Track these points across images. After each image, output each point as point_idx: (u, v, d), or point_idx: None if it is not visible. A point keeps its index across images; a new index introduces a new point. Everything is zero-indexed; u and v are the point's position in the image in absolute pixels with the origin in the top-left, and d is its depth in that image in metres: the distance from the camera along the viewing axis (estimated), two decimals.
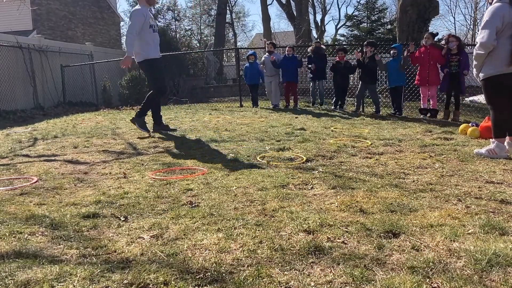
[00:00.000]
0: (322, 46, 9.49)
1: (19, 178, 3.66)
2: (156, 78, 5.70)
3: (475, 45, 4.03)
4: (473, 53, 4.08)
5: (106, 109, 10.91)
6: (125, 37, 5.52)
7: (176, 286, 1.65)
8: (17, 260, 1.90)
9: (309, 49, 9.42)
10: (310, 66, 9.04)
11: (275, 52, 9.31)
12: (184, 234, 2.20)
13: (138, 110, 5.82)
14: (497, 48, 3.81)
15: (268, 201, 2.72)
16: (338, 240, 2.06)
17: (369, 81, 7.96)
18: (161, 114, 6.03)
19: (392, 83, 7.68)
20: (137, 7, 5.59)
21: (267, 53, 9.24)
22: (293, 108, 9.06)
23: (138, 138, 5.52)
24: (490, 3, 3.96)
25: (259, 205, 2.67)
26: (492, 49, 3.83)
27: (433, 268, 1.74)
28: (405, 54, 7.51)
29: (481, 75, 4.00)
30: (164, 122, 6.12)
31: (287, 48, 9.51)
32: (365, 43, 8.36)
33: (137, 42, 5.48)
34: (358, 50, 8.11)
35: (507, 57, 3.79)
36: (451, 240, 2.03)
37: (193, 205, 2.71)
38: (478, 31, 4.16)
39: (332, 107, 8.77)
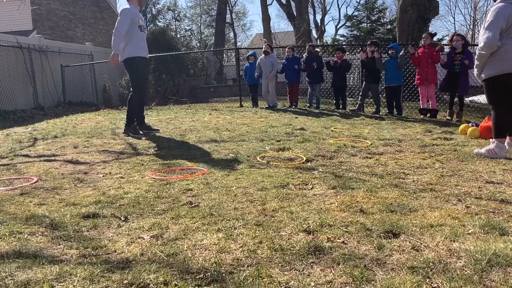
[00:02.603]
0: (316, 49, 9.47)
1: (19, 178, 3.66)
2: (137, 79, 5.65)
3: (475, 45, 4.02)
4: (475, 53, 4.08)
5: (106, 109, 10.91)
6: (113, 35, 5.44)
7: (176, 286, 1.65)
8: (17, 260, 1.89)
9: (304, 55, 9.44)
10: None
11: (272, 54, 9.18)
12: (184, 234, 2.20)
13: (125, 120, 5.81)
14: (500, 48, 3.81)
15: (268, 201, 2.72)
16: (338, 240, 2.06)
17: (372, 81, 7.96)
18: (144, 114, 6.04)
19: (389, 82, 7.68)
20: (127, 6, 5.59)
21: (262, 54, 9.22)
22: (293, 108, 9.07)
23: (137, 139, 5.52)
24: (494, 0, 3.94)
25: (259, 205, 2.67)
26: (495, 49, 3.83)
27: (433, 268, 1.74)
28: (401, 53, 7.54)
29: (482, 75, 4.00)
30: (147, 123, 6.12)
31: (287, 49, 9.52)
32: (368, 42, 8.37)
33: (124, 41, 5.48)
34: (365, 50, 8.09)
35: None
36: (451, 240, 2.03)
37: (193, 205, 2.71)
38: (479, 31, 4.15)
39: (334, 107, 8.79)
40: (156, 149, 4.82)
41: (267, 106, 9.27)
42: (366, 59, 7.99)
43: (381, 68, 7.78)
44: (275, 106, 9.18)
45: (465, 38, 7.12)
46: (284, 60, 9.39)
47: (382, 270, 1.74)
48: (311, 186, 3.09)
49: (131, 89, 5.82)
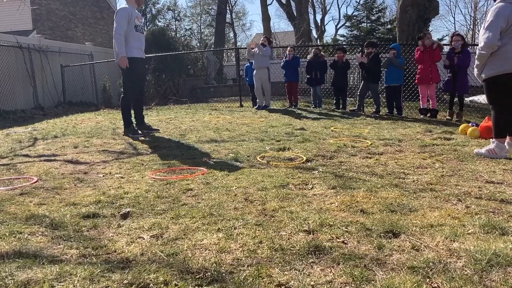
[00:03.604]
0: (322, 53, 9.43)
1: (19, 178, 3.66)
2: (130, 80, 5.59)
3: (475, 45, 4.03)
4: (475, 53, 4.08)
5: (106, 109, 10.92)
6: (113, 39, 5.40)
7: (176, 286, 1.65)
8: (17, 260, 1.89)
9: (308, 57, 9.39)
10: (308, 76, 9.00)
11: (268, 47, 8.81)
12: (184, 234, 2.20)
13: (123, 123, 5.79)
14: (500, 48, 3.81)
15: (268, 201, 2.72)
16: (338, 240, 2.06)
17: (371, 81, 7.96)
18: (143, 114, 6.01)
19: (389, 81, 7.67)
20: (124, 5, 5.55)
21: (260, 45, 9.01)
22: (293, 108, 9.06)
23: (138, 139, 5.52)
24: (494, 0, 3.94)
25: (259, 205, 2.67)
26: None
27: (433, 268, 1.74)
28: (390, 55, 7.56)
29: (483, 75, 4.00)
30: (147, 123, 6.09)
31: (288, 49, 9.50)
32: (365, 43, 8.37)
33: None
34: (364, 54, 8.08)
35: None
36: (451, 240, 2.03)
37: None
38: (479, 31, 4.14)
39: (334, 107, 8.79)
40: (156, 149, 4.82)
41: (258, 106, 8.98)
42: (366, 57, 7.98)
43: (385, 67, 7.76)
44: (267, 106, 8.96)
45: (464, 39, 7.12)
46: (284, 59, 9.34)
47: (382, 270, 1.74)
48: (311, 186, 3.09)
49: (122, 90, 5.79)
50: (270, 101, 9.28)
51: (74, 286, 1.66)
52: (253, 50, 8.74)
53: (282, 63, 9.33)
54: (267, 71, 8.85)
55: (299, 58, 9.82)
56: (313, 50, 9.52)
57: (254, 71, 8.83)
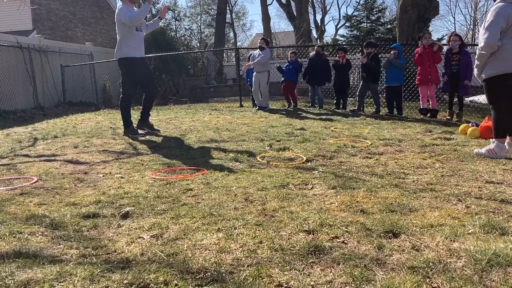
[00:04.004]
0: (324, 52, 9.40)
1: (19, 178, 3.66)
2: (128, 80, 5.59)
3: (475, 45, 4.03)
4: (475, 53, 4.07)
5: (106, 109, 10.91)
6: (134, 20, 5.32)
7: (176, 286, 1.65)
8: (17, 260, 1.89)
9: (310, 54, 9.35)
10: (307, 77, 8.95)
11: (266, 49, 8.81)
12: (184, 234, 2.20)
13: (122, 123, 5.79)
14: (500, 48, 3.81)
15: (268, 201, 2.72)
16: (338, 240, 2.06)
17: (371, 81, 7.95)
18: (149, 113, 5.99)
19: (389, 82, 7.67)
20: (120, 6, 5.59)
21: (258, 50, 8.86)
22: (293, 108, 9.05)
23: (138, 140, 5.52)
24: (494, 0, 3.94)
25: (259, 205, 2.67)
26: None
27: (433, 268, 1.74)
28: (390, 56, 7.56)
29: (483, 75, 4.00)
30: (150, 122, 6.07)
31: (289, 53, 9.47)
32: (364, 43, 8.37)
33: (118, 40, 5.48)
34: (363, 55, 8.07)
35: None
36: (451, 240, 2.03)
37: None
38: (479, 31, 4.14)
39: (334, 107, 8.78)
40: (156, 149, 4.82)
41: (258, 107, 8.93)
42: (366, 58, 7.98)
43: (386, 67, 7.75)
44: (266, 107, 8.91)
45: (462, 39, 7.12)
46: (286, 64, 9.31)
47: (382, 270, 1.74)
48: (311, 186, 3.09)
49: (121, 90, 5.79)
50: (268, 103, 9.24)
51: (74, 286, 1.66)
52: (249, 64, 8.86)
53: (282, 66, 9.26)
54: (267, 74, 8.82)
55: (300, 62, 9.76)
56: (315, 48, 9.46)
57: (254, 73, 8.82)
